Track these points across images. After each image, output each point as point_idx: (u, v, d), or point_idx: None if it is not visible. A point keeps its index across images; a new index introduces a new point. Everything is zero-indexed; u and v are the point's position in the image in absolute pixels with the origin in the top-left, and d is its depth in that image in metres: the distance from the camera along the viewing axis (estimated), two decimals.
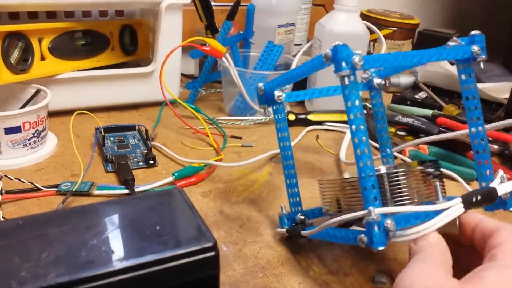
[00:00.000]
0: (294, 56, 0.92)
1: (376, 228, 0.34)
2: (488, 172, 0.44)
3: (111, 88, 0.77)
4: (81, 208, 0.41)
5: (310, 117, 0.80)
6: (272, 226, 0.53)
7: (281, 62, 0.85)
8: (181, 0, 0.77)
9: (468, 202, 0.36)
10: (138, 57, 0.87)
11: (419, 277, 0.31)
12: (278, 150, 0.69)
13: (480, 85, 0.93)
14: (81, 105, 0.75)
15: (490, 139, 0.70)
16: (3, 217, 0.47)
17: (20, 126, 0.58)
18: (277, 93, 0.46)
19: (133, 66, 0.87)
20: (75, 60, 0.75)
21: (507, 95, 0.87)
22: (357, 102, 0.36)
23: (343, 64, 0.35)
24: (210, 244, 0.33)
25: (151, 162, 0.62)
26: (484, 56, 0.45)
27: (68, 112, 0.74)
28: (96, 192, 0.55)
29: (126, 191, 0.55)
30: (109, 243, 0.34)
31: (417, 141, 0.64)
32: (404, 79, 0.99)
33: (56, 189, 0.55)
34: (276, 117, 0.48)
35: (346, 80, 0.36)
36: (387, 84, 1.02)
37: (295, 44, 1.02)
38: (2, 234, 0.34)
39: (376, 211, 0.34)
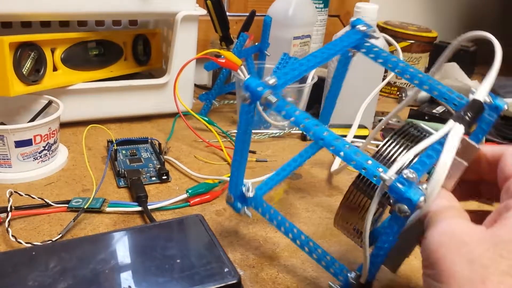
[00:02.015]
0: None
1: (399, 185, 0.31)
2: None
3: (124, 99, 0.76)
4: (98, 237, 0.39)
5: None
6: (289, 248, 0.51)
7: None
8: (197, 12, 0.75)
9: (461, 119, 0.34)
10: (151, 67, 0.86)
11: (448, 233, 0.29)
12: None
13: None
14: (93, 116, 0.74)
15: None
16: (12, 236, 0.46)
17: (31, 139, 0.57)
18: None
19: (145, 76, 0.86)
20: (88, 70, 0.73)
21: None
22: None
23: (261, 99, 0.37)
24: (234, 281, 0.31)
25: (164, 177, 0.60)
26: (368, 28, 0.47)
27: (79, 123, 0.73)
28: (108, 209, 0.53)
29: (139, 208, 0.53)
30: (128, 278, 0.32)
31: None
32: (421, 93, 0.97)
33: (67, 205, 0.53)
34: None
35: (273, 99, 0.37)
36: (403, 97, 1.00)
37: None
38: (14, 267, 0.32)
39: (388, 172, 0.31)
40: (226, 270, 0.32)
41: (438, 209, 0.31)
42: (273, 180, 0.52)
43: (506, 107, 0.38)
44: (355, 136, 0.72)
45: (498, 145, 0.33)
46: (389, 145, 0.38)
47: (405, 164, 0.33)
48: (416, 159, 0.34)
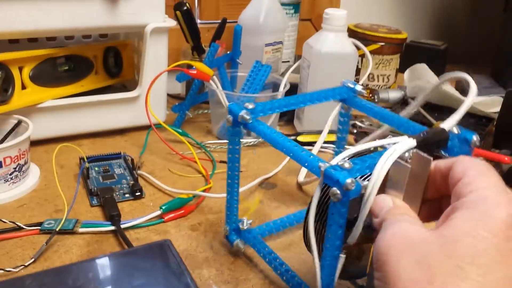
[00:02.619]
0: (282, 74, 0.91)
1: (332, 170, 0.33)
2: None
3: (96, 114, 0.75)
4: (64, 268, 0.39)
5: (300, 138, 0.78)
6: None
7: (269, 81, 0.84)
8: (166, 23, 0.75)
9: (416, 136, 0.35)
10: (123, 79, 0.86)
11: (398, 234, 0.30)
12: (268, 175, 0.68)
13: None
14: (65, 133, 0.74)
15: (482, 159, 0.69)
16: None
17: (0, 162, 0.56)
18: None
19: (118, 88, 0.85)
20: (58, 86, 0.73)
21: (496, 109, 0.86)
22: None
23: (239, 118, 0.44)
24: None
25: (138, 193, 0.60)
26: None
27: (51, 140, 0.72)
28: (81, 229, 0.53)
29: (112, 227, 0.53)
30: None
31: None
32: (393, 94, 0.99)
33: (39, 227, 0.53)
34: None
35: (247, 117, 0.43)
36: (376, 100, 1.01)
37: (283, 61, 1.01)
38: None
39: (331, 162, 0.34)
40: None
41: (391, 215, 0.32)
42: (273, 225, 0.55)
43: (475, 138, 0.39)
44: (326, 142, 0.73)
45: (451, 158, 0.34)
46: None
47: (345, 158, 0.35)
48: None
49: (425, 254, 0.28)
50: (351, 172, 0.34)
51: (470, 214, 0.28)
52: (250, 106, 0.44)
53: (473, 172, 0.30)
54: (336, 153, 0.58)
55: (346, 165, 0.34)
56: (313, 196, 0.36)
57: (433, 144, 0.37)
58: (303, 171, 0.70)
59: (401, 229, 0.30)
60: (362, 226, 0.35)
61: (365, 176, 0.36)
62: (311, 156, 0.37)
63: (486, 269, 0.26)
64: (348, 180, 0.32)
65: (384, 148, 0.35)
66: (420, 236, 0.29)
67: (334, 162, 0.35)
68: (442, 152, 0.40)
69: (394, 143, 0.35)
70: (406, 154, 0.34)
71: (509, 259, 0.26)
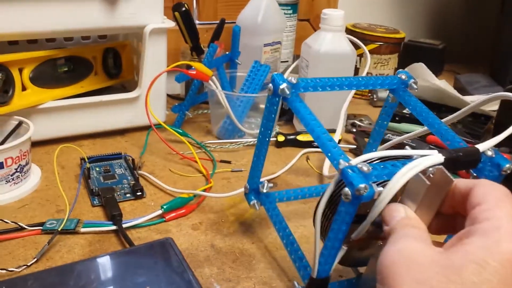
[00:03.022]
0: None
1: (350, 171, 0.33)
2: None
3: (96, 115, 0.75)
4: (67, 267, 0.39)
5: (300, 137, 0.79)
6: (265, 259, 0.51)
7: (268, 81, 0.84)
8: (165, 24, 0.75)
9: (445, 152, 0.35)
10: (123, 80, 0.86)
11: (403, 251, 0.30)
12: (270, 177, 0.68)
13: (468, 98, 0.93)
14: (66, 134, 0.74)
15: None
16: None
17: (2, 162, 0.57)
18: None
19: (118, 88, 0.86)
20: (58, 88, 0.73)
21: (495, 107, 0.87)
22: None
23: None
24: None
25: (139, 193, 0.60)
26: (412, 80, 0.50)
27: (52, 141, 0.72)
28: (83, 229, 0.53)
29: (114, 227, 0.53)
30: None
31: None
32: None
33: (41, 227, 0.53)
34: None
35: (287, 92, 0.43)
36: (375, 99, 1.02)
37: (282, 61, 1.02)
38: None
39: (351, 161, 0.34)
40: None
41: (401, 227, 0.32)
42: (292, 193, 0.56)
43: (508, 165, 0.37)
44: None
45: (472, 179, 0.34)
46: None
47: (366, 161, 0.35)
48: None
49: (428, 275, 0.28)
50: (367, 177, 0.33)
51: (481, 242, 0.28)
52: (293, 80, 0.44)
53: (492, 199, 0.30)
54: (368, 145, 0.58)
55: (365, 168, 0.33)
56: (328, 186, 0.36)
57: (462, 164, 0.37)
58: (327, 164, 0.70)
59: (406, 245, 0.30)
60: (367, 228, 0.35)
61: (383, 181, 0.36)
62: (336, 148, 0.37)
63: None
64: (362, 185, 0.32)
65: (410, 158, 0.35)
66: (425, 256, 0.29)
67: (354, 162, 0.34)
68: (471, 171, 0.39)
69: (422, 156, 0.35)
70: (430, 169, 0.34)
71: None
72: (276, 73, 0.44)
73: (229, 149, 0.77)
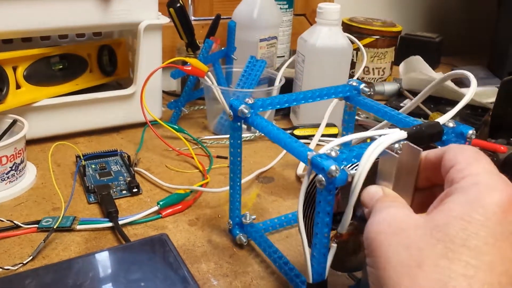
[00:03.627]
0: (277, 69, 0.91)
1: (319, 158, 0.34)
2: None
3: (91, 112, 0.75)
4: (61, 264, 0.39)
5: (296, 132, 0.78)
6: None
7: (264, 76, 0.84)
8: (160, 20, 0.75)
9: (410, 129, 0.35)
10: (118, 77, 0.85)
11: (386, 220, 0.30)
12: (264, 169, 0.68)
13: (465, 90, 0.93)
14: (61, 132, 0.73)
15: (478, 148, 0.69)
16: None
17: None
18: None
19: (113, 86, 0.85)
20: (52, 85, 0.73)
21: (492, 99, 0.87)
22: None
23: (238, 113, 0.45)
24: None
25: (135, 190, 0.60)
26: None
27: (47, 139, 0.72)
28: (79, 226, 0.53)
29: (110, 224, 0.53)
30: None
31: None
32: (389, 87, 0.99)
33: (37, 225, 0.53)
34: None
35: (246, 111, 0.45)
36: (372, 93, 1.01)
37: (278, 56, 1.01)
38: None
39: (316, 152, 0.35)
40: None
41: (381, 202, 0.32)
42: (277, 221, 0.55)
43: (471, 132, 0.39)
44: (324, 135, 0.73)
45: (441, 147, 0.34)
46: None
47: (333, 148, 0.36)
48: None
49: (414, 239, 0.28)
50: (337, 160, 0.34)
51: (463, 199, 0.28)
52: (250, 101, 0.46)
53: (465, 158, 0.30)
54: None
55: (333, 153, 0.35)
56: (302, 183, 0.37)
57: (426, 137, 0.37)
58: (302, 164, 0.70)
59: (389, 214, 0.30)
60: (351, 214, 0.35)
61: (354, 165, 0.36)
62: (302, 147, 0.38)
63: (477, 251, 0.26)
64: (333, 167, 0.33)
65: (374, 139, 0.35)
66: (409, 220, 0.29)
67: (321, 151, 0.35)
68: (437, 145, 0.40)
69: (385, 135, 0.35)
70: (396, 145, 0.34)
71: (501, 242, 0.26)
72: (232, 99, 0.46)
73: (225, 145, 0.77)
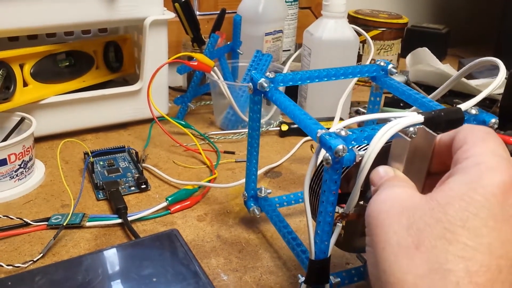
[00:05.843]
0: (283, 63, 0.90)
1: (327, 137, 0.34)
2: None
3: (98, 109, 0.75)
4: (73, 261, 0.39)
5: None
6: (270, 249, 0.51)
7: (270, 70, 0.83)
8: (165, 16, 0.75)
9: (424, 113, 0.34)
10: (124, 73, 0.85)
11: (388, 200, 0.29)
12: (273, 165, 0.68)
13: (472, 82, 0.92)
14: (69, 129, 0.74)
15: None
16: None
17: (5, 159, 0.56)
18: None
19: (119, 82, 0.85)
20: (59, 83, 0.73)
21: (500, 91, 0.86)
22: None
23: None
24: None
25: (143, 186, 0.60)
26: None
27: (55, 136, 0.72)
28: (88, 223, 0.53)
29: (119, 220, 0.53)
30: None
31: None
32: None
33: (46, 223, 0.53)
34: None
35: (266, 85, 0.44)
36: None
37: (284, 50, 1.01)
38: None
39: (330, 129, 0.35)
40: (202, 285, 0.33)
41: (387, 181, 0.32)
42: (292, 197, 0.55)
43: (493, 120, 0.38)
44: None
45: (455, 129, 0.33)
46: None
47: (344, 127, 0.35)
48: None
49: (415, 219, 0.27)
50: (346, 140, 0.34)
51: (463, 179, 0.27)
52: (271, 75, 0.45)
53: (473, 139, 0.29)
54: None
55: (343, 133, 0.34)
56: (311, 160, 0.37)
57: (443, 123, 0.35)
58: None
59: (393, 194, 0.30)
60: (358, 195, 0.35)
61: (364, 145, 0.36)
62: (314, 124, 0.38)
63: (476, 232, 0.25)
64: (340, 146, 0.32)
65: (389, 121, 0.35)
66: (412, 200, 0.29)
67: (332, 129, 0.35)
68: None
69: (401, 117, 0.34)
70: (411, 129, 0.33)
71: (501, 224, 0.26)
72: (253, 72, 0.45)
73: (232, 140, 0.77)
